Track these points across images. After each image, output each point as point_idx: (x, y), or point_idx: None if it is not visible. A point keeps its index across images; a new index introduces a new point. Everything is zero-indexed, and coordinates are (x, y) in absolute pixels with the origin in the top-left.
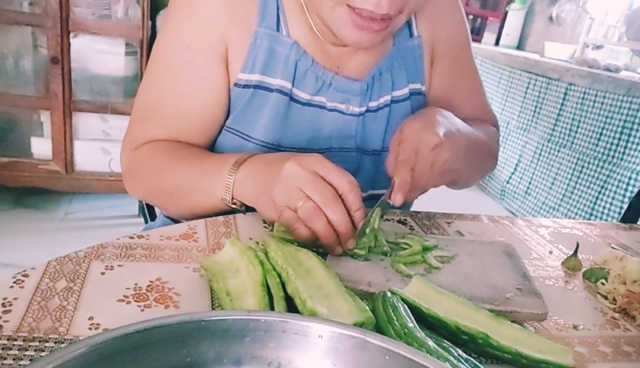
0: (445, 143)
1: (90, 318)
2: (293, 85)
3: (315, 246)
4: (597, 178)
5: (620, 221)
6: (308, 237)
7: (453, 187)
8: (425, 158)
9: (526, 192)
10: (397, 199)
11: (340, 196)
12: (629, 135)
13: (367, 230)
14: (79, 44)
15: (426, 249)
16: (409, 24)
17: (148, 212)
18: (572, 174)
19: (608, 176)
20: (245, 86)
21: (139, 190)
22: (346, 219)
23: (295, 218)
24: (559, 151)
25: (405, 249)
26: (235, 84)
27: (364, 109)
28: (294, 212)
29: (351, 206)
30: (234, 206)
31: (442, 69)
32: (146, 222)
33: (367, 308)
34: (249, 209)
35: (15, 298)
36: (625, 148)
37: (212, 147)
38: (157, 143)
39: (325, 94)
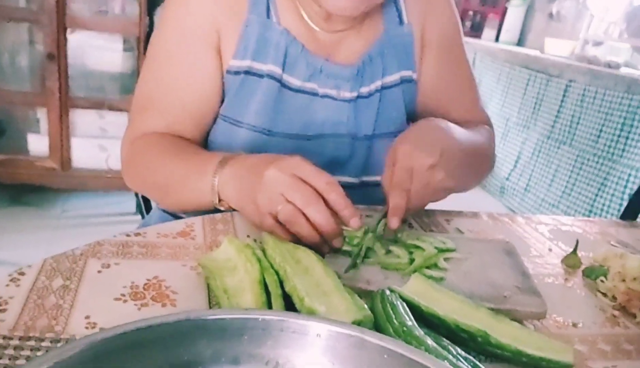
0: (440, 162)
1: (87, 317)
2: (284, 71)
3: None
4: (597, 175)
5: (620, 218)
6: (292, 241)
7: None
8: (420, 180)
9: (525, 189)
10: (393, 223)
11: (323, 197)
12: (629, 132)
13: (358, 261)
14: (75, 40)
15: (442, 251)
16: (398, 11)
17: (145, 208)
18: (571, 171)
19: (608, 173)
20: (237, 73)
21: (135, 182)
22: (328, 218)
23: (275, 224)
24: (558, 148)
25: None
26: (228, 72)
27: (355, 94)
28: (274, 218)
29: (336, 206)
30: (221, 208)
31: (432, 59)
32: (143, 219)
33: (366, 306)
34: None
35: (11, 297)
36: (625, 144)
37: (207, 137)
38: (153, 135)
39: (317, 81)
